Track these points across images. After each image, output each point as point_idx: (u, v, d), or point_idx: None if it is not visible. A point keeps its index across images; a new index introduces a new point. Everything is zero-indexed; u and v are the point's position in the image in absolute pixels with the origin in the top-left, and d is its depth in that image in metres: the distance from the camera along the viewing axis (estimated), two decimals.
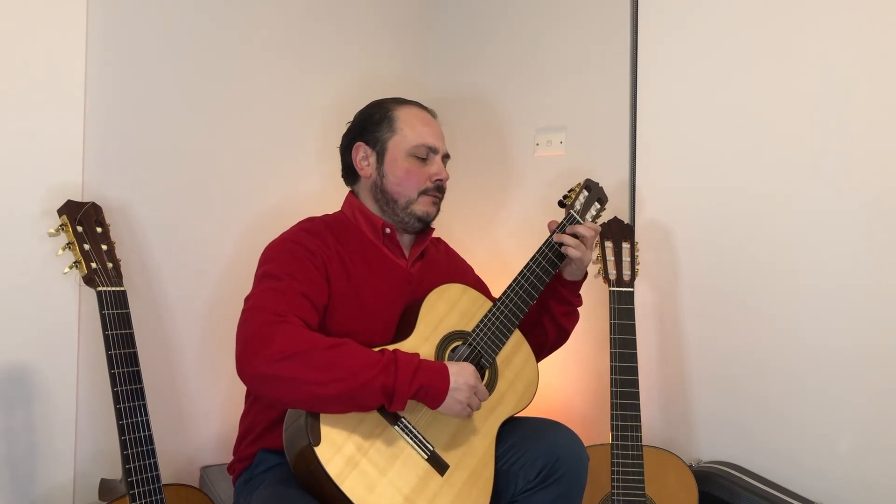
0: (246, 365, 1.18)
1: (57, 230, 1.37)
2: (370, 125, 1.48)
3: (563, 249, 1.47)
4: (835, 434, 1.60)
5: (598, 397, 1.93)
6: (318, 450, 1.16)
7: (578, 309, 1.59)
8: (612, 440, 1.50)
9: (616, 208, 1.84)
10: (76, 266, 1.36)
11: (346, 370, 1.18)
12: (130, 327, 1.36)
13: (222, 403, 1.79)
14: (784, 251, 1.67)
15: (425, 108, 1.53)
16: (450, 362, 1.28)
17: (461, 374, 1.26)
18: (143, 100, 1.67)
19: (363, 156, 1.48)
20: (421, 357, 1.25)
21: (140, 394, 1.33)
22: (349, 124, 1.54)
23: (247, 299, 1.29)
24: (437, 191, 1.48)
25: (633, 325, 1.56)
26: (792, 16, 1.67)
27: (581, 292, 1.58)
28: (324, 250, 1.36)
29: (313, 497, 1.20)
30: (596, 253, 1.62)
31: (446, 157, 1.52)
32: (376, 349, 1.25)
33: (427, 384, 1.22)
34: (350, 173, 1.53)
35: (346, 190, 1.56)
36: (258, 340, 1.18)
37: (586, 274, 1.56)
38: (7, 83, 1.45)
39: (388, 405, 1.21)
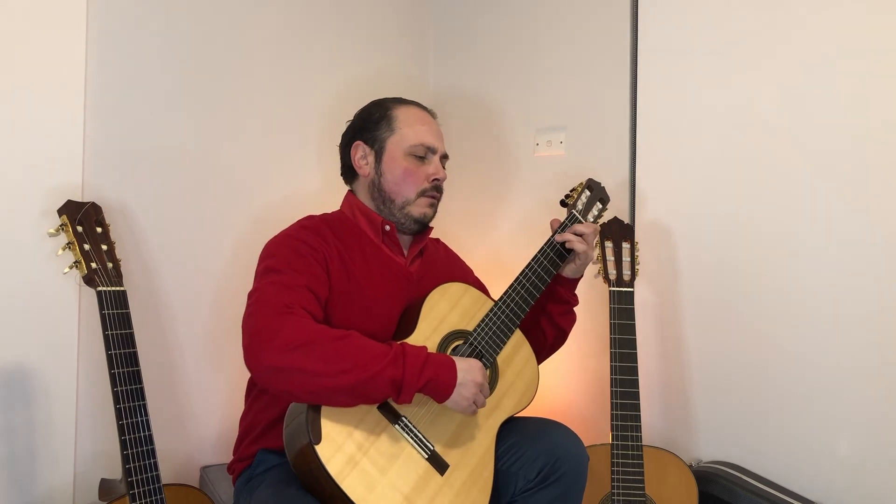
0: (255, 357, 1.18)
1: (57, 230, 1.37)
2: (369, 124, 1.48)
3: (568, 245, 1.47)
4: (835, 434, 1.60)
5: (598, 397, 1.93)
6: (318, 448, 1.15)
7: (575, 309, 1.59)
8: (612, 440, 1.50)
9: (616, 208, 1.84)
10: (76, 266, 1.36)
11: (354, 362, 1.18)
12: (130, 327, 1.36)
13: (222, 403, 1.79)
14: (784, 251, 1.67)
15: (425, 108, 1.53)
16: (458, 357, 1.28)
17: (469, 370, 1.26)
18: (144, 100, 1.67)
19: (362, 154, 1.48)
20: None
21: (140, 394, 1.33)
22: (349, 123, 1.54)
23: (251, 294, 1.29)
24: (436, 191, 1.48)
25: (633, 325, 1.56)
26: (793, 16, 1.67)
27: (581, 292, 1.58)
28: (324, 247, 1.36)
29: (313, 496, 1.20)
30: (596, 253, 1.62)
31: (445, 157, 1.52)
32: (384, 342, 1.25)
33: (435, 377, 1.22)
34: (349, 172, 1.53)
35: (345, 189, 1.56)
36: (266, 332, 1.18)
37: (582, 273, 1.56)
38: (7, 83, 1.45)
39: (396, 398, 1.21)
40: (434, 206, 1.49)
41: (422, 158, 1.46)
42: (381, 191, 1.46)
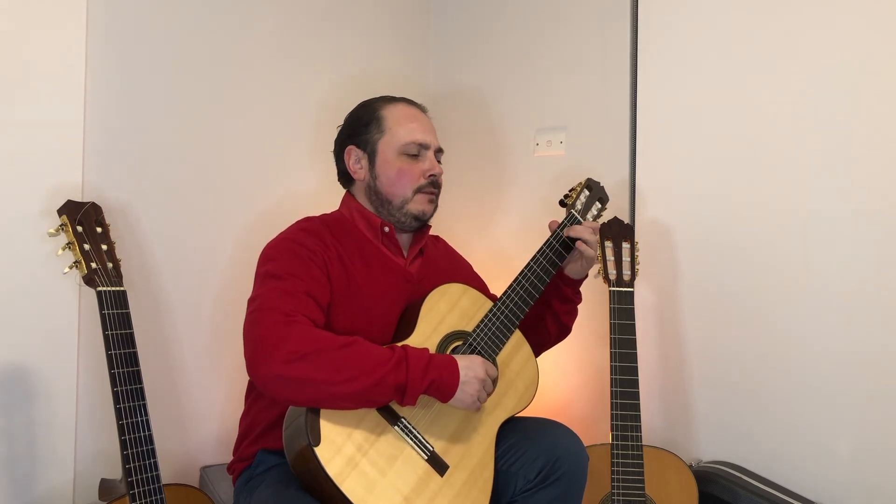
0: (259, 366, 1.18)
1: (57, 230, 1.37)
2: (359, 127, 1.47)
3: (577, 245, 1.47)
4: (835, 434, 1.60)
5: (598, 397, 1.93)
6: (317, 450, 1.16)
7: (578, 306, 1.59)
8: (612, 440, 1.50)
9: (616, 208, 1.84)
10: (76, 266, 1.36)
11: (358, 369, 1.18)
12: (130, 327, 1.36)
13: (222, 403, 1.79)
14: (783, 251, 1.67)
15: (414, 104, 1.51)
16: (459, 355, 1.29)
17: (471, 367, 1.27)
18: (143, 100, 1.67)
19: (355, 159, 1.48)
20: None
21: (140, 394, 1.33)
22: (339, 128, 1.53)
23: (251, 300, 1.28)
24: (433, 186, 1.47)
25: (633, 325, 1.56)
26: (794, 17, 1.67)
27: (581, 292, 1.58)
28: (324, 250, 1.36)
29: (313, 497, 1.20)
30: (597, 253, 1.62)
31: (439, 151, 1.50)
32: (385, 346, 1.26)
33: (438, 379, 1.23)
34: (345, 176, 1.52)
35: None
36: (270, 341, 1.18)
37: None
38: (7, 83, 1.45)
39: (401, 401, 1.22)
40: (434, 202, 1.48)
41: (415, 156, 1.45)
42: (377, 193, 1.46)
